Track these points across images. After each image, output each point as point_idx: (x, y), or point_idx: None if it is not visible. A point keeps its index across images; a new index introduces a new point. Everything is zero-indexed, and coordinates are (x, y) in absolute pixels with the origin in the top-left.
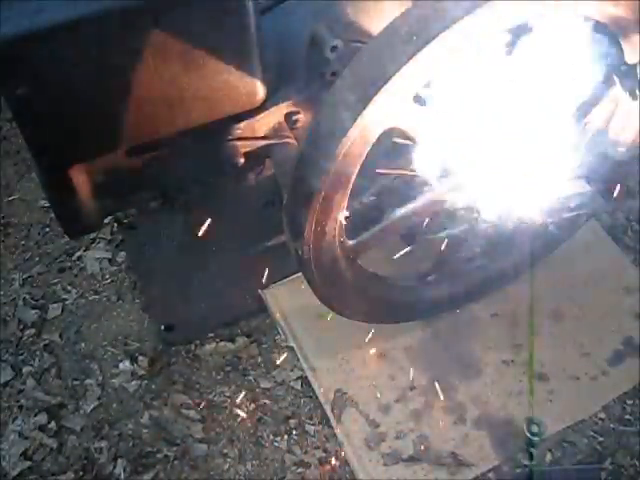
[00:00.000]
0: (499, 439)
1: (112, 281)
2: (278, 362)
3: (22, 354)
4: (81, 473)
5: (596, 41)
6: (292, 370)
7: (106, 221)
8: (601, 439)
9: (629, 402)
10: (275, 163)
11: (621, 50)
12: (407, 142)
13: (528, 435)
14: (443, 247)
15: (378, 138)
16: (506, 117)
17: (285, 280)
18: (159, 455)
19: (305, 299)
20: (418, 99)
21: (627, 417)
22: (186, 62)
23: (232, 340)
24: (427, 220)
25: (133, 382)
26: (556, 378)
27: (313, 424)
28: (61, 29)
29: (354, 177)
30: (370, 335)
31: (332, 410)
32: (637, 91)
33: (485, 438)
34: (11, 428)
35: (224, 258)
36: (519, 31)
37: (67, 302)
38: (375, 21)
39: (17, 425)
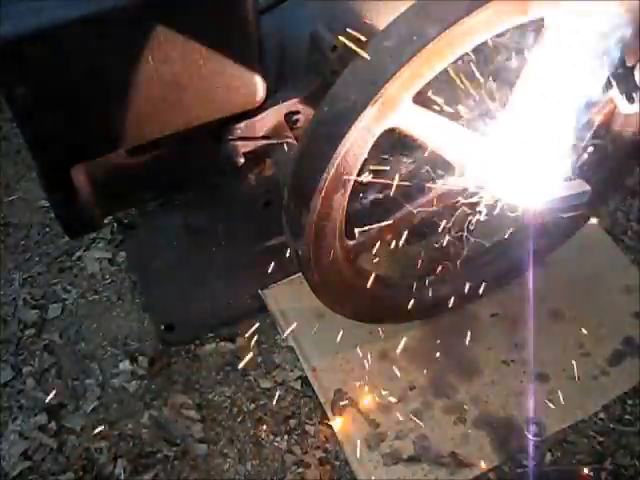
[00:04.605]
0: (499, 439)
1: (112, 281)
2: (278, 362)
3: (22, 354)
4: (81, 473)
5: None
6: (292, 370)
7: (106, 221)
8: (601, 439)
9: (629, 402)
10: (275, 163)
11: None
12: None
13: (528, 435)
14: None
15: (378, 138)
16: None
17: (285, 280)
18: (159, 455)
19: (305, 299)
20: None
21: (627, 417)
22: (186, 62)
23: (232, 340)
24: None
25: (133, 382)
26: (556, 378)
27: (313, 424)
28: (61, 29)
29: (354, 177)
30: (370, 335)
31: (332, 410)
32: (634, 94)
33: (485, 438)
34: (11, 428)
35: (224, 258)
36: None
37: (67, 302)
38: (375, 21)
39: (17, 425)
